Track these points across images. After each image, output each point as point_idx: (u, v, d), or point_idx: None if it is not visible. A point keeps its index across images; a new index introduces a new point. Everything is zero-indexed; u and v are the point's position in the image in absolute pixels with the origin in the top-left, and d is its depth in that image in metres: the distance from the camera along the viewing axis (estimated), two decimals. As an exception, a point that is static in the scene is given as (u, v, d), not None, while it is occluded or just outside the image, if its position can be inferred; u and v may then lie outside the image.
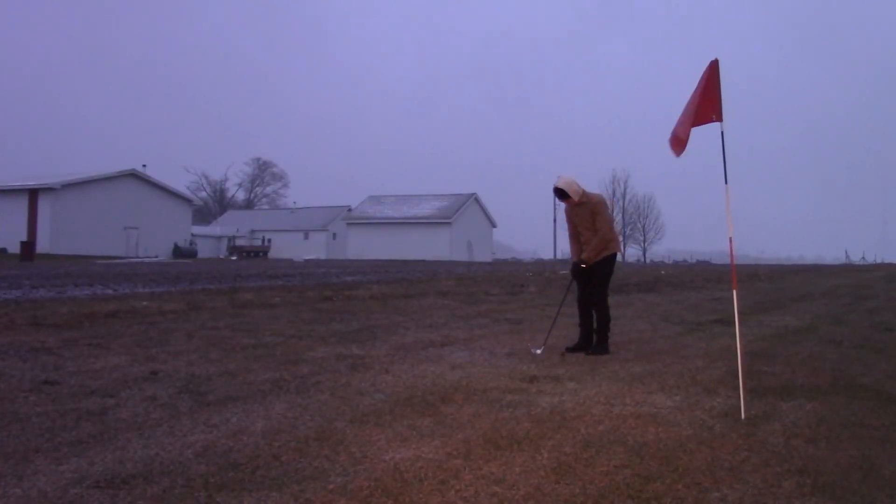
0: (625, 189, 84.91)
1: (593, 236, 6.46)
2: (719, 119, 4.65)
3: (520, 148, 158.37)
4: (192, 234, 55.09)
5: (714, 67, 4.70)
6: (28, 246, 36.14)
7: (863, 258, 70.58)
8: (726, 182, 4.90)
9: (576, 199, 6.45)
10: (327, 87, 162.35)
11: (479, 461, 3.27)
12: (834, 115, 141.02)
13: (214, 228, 69.01)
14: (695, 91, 4.76)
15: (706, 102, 4.64)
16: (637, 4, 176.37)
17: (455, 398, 4.57)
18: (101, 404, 4.26)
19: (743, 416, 4.16)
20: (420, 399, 4.54)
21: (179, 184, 65.05)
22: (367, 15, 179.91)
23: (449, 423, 3.96)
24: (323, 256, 61.68)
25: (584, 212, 6.48)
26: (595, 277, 6.56)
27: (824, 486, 3.03)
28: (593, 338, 6.65)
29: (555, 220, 76.06)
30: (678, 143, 4.76)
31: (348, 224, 62.50)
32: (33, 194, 43.79)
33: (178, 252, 49.15)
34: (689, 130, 4.69)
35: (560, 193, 6.48)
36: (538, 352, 6.44)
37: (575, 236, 6.66)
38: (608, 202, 6.73)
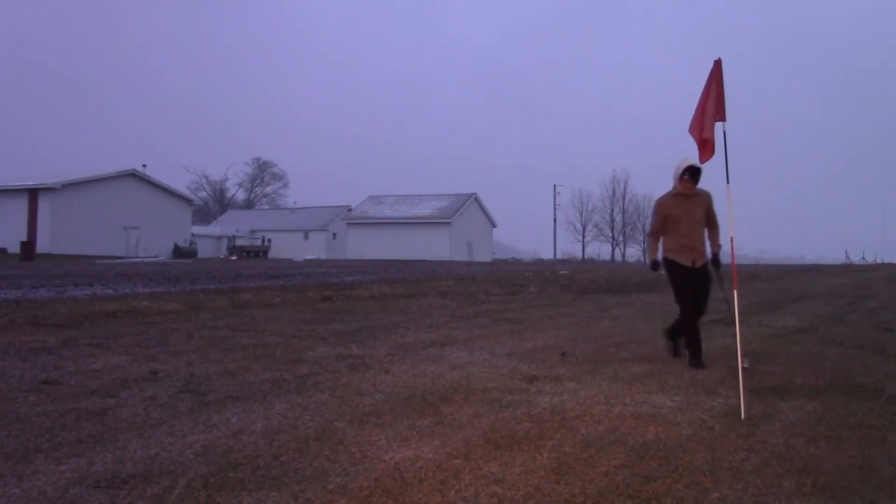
0: (625, 189, 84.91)
1: (697, 229, 5.75)
2: (722, 119, 4.66)
3: (520, 148, 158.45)
4: (192, 234, 55.07)
5: (718, 67, 4.71)
6: (28, 246, 36.12)
7: (863, 258, 70.51)
8: (728, 182, 4.90)
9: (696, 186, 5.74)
10: (327, 87, 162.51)
11: (479, 461, 3.28)
12: (834, 115, 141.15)
13: (214, 228, 68.98)
14: (704, 92, 4.76)
15: (716, 102, 4.65)
16: (638, 5, 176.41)
17: (455, 398, 4.57)
18: (101, 404, 4.26)
19: (743, 416, 4.16)
20: (420, 399, 4.54)
21: (179, 184, 65.03)
22: (367, 14, 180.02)
23: (449, 423, 3.96)
24: (323, 256, 61.63)
25: (694, 203, 5.75)
26: (706, 280, 5.81)
27: (824, 486, 3.03)
28: (675, 343, 6.20)
29: (555, 221, 76.21)
30: (707, 146, 4.78)
31: (348, 224, 62.46)
32: (33, 194, 43.78)
33: (178, 252, 49.13)
34: (713, 131, 4.72)
35: (695, 174, 5.61)
36: (747, 366, 5.42)
37: (660, 232, 5.91)
38: None
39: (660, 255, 5.99)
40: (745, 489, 2.98)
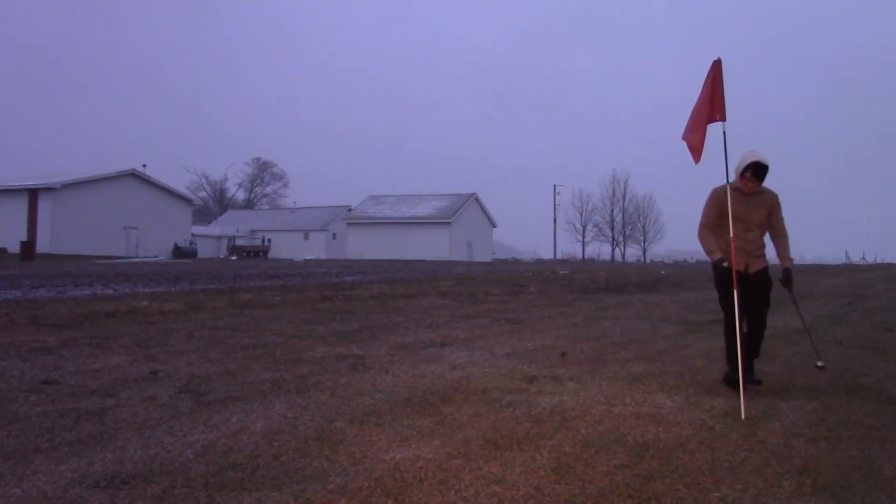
0: (625, 189, 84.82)
1: (755, 231, 5.02)
2: (722, 118, 4.66)
3: (520, 148, 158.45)
4: (192, 234, 55.11)
5: (717, 67, 4.71)
6: (28, 246, 36.13)
7: (863, 258, 70.54)
8: (728, 181, 4.91)
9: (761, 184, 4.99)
10: (327, 86, 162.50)
11: (479, 461, 3.28)
12: (834, 114, 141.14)
13: (214, 228, 69.01)
14: (702, 93, 4.76)
15: (711, 102, 4.65)
16: (638, 4, 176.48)
17: (455, 398, 4.57)
18: (101, 404, 4.26)
19: (743, 416, 4.16)
20: (420, 399, 4.54)
21: (179, 184, 65.15)
22: (367, 14, 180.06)
23: (449, 423, 3.96)
24: (323, 256, 61.66)
25: (756, 202, 4.99)
26: (763, 288, 5.08)
27: (824, 486, 3.03)
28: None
29: (555, 221, 76.18)
30: (694, 150, 4.78)
31: (348, 224, 62.49)
32: (33, 194, 43.79)
33: (178, 252, 49.15)
34: (703, 136, 4.71)
35: (759, 171, 4.84)
36: (820, 364, 5.04)
37: (715, 228, 5.05)
38: None
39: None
40: (745, 489, 2.98)
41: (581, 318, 10.00)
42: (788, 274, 4.98)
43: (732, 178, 4.97)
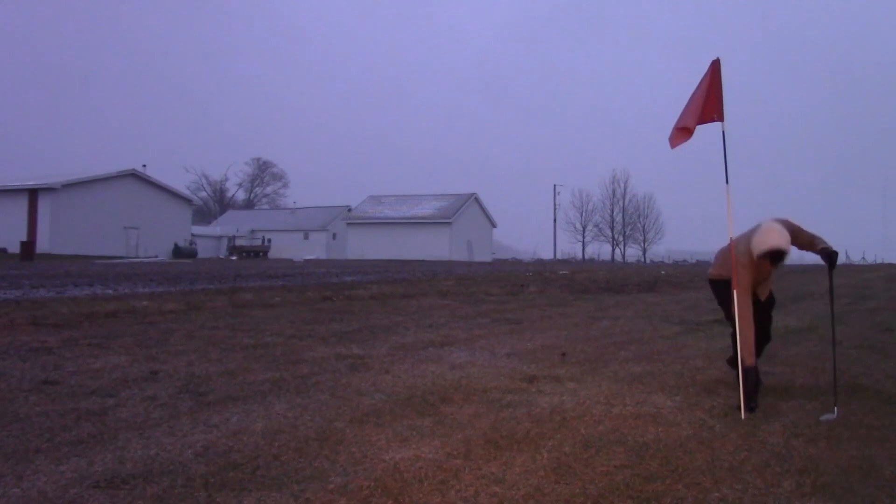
0: (625, 189, 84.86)
1: (769, 277, 5.05)
2: (720, 119, 4.66)
3: (520, 148, 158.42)
4: (192, 234, 55.11)
5: (715, 67, 4.72)
6: (28, 246, 36.15)
7: (863, 258, 70.57)
8: (727, 181, 4.90)
9: None
10: (327, 86, 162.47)
11: (479, 461, 3.28)
12: (834, 114, 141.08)
13: (214, 228, 69.00)
14: (697, 89, 4.77)
15: (709, 101, 4.65)
16: (638, 4, 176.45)
17: (455, 398, 4.57)
18: (101, 404, 4.26)
19: (743, 416, 4.16)
20: (420, 399, 4.54)
21: (179, 184, 65.12)
22: (367, 14, 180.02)
23: (449, 423, 3.96)
24: (323, 256, 61.68)
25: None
26: (768, 309, 5.23)
27: (824, 486, 3.03)
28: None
29: (555, 221, 76.23)
30: (682, 133, 4.75)
31: (348, 224, 62.50)
32: (33, 194, 43.78)
33: (178, 252, 49.15)
34: (695, 125, 4.70)
35: (777, 258, 4.52)
36: (826, 417, 4.44)
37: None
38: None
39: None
40: (745, 489, 2.98)
41: (581, 318, 10.00)
42: (826, 251, 4.67)
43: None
